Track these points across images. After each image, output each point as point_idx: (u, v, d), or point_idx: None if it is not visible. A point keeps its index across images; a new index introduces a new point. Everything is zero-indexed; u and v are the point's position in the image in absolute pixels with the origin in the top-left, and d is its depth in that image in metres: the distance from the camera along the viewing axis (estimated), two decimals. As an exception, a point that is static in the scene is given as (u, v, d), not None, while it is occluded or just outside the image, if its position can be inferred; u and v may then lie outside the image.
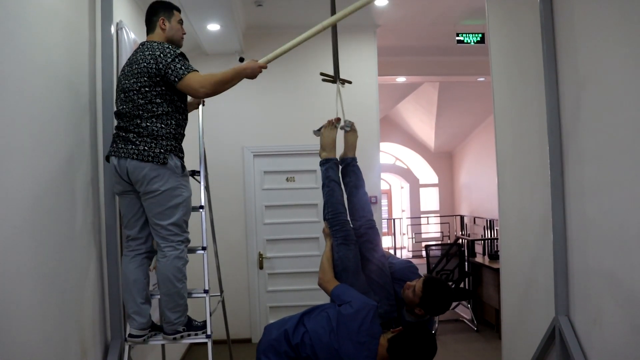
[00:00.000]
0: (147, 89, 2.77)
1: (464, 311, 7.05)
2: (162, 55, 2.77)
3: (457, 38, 6.76)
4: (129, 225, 2.94)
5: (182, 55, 2.83)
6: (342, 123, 3.35)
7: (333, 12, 3.49)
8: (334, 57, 3.49)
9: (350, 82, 3.53)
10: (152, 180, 2.75)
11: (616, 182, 2.78)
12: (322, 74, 3.44)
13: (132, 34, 3.61)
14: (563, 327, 3.17)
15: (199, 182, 3.36)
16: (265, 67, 2.96)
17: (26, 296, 2.23)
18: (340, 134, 3.35)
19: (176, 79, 2.75)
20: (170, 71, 2.74)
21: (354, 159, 3.34)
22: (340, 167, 3.31)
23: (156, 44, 2.84)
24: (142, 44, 2.90)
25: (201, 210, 3.23)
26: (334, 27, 3.46)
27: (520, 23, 3.89)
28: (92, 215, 3.01)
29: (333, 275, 2.98)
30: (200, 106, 3.49)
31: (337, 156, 3.33)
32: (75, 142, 2.82)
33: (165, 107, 2.80)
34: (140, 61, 2.79)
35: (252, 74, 2.93)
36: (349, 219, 3.15)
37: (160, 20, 2.97)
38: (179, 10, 3.09)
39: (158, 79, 2.77)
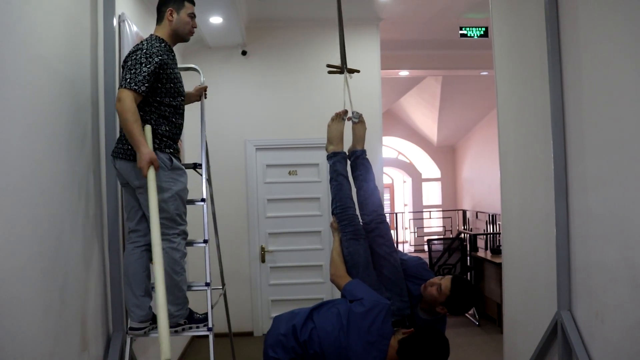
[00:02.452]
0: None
1: (465, 305, 7.04)
2: (129, 54, 2.76)
3: (461, 32, 6.73)
4: (129, 217, 2.95)
5: (147, 63, 2.70)
6: (349, 114, 3.29)
7: (339, 5, 3.46)
8: (340, 46, 3.43)
9: (358, 71, 3.45)
10: (138, 176, 2.75)
11: (619, 176, 2.76)
12: (328, 65, 3.40)
13: (135, 27, 3.60)
14: (565, 322, 3.17)
15: (201, 175, 3.36)
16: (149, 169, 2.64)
17: (28, 288, 2.23)
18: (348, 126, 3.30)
19: (119, 85, 2.73)
20: (124, 75, 2.72)
21: (364, 152, 3.27)
22: (349, 160, 3.26)
23: (143, 41, 2.83)
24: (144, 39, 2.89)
25: (203, 203, 3.23)
26: (340, 16, 3.43)
27: (524, 16, 3.87)
28: (94, 207, 3.01)
29: (345, 270, 2.92)
30: (203, 99, 3.47)
31: (345, 149, 3.27)
32: (77, 134, 2.82)
33: (147, 105, 2.79)
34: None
35: (140, 159, 2.62)
36: (357, 213, 3.10)
37: (169, 11, 2.92)
38: (192, 3, 3.02)
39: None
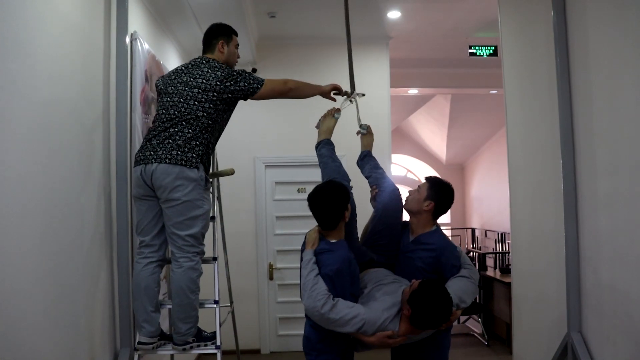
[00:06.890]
0: (204, 101, 2.85)
1: (474, 325, 6.99)
2: (227, 77, 2.90)
3: (470, 50, 6.75)
4: (144, 231, 2.93)
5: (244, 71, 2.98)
6: (358, 127, 3.42)
7: (347, 22, 3.49)
8: (350, 71, 3.48)
9: (363, 95, 3.51)
10: (176, 188, 2.76)
11: (631, 196, 2.75)
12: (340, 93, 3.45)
13: (146, 45, 3.63)
14: (576, 344, 3.13)
15: (211, 193, 3.37)
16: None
17: (36, 302, 2.24)
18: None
19: (250, 91, 2.97)
20: (243, 86, 2.92)
21: (370, 152, 3.43)
22: (360, 161, 3.41)
23: (218, 65, 2.94)
24: (207, 60, 2.98)
25: (212, 220, 3.23)
26: (348, 38, 3.47)
27: (533, 36, 3.88)
28: (104, 222, 3.03)
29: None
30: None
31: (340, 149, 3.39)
32: (89, 150, 2.84)
33: (213, 121, 2.88)
34: (198, 76, 2.88)
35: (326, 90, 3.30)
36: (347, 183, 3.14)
37: (220, 43, 3.06)
38: (236, 35, 3.18)
39: (212, 95, 2.86)
